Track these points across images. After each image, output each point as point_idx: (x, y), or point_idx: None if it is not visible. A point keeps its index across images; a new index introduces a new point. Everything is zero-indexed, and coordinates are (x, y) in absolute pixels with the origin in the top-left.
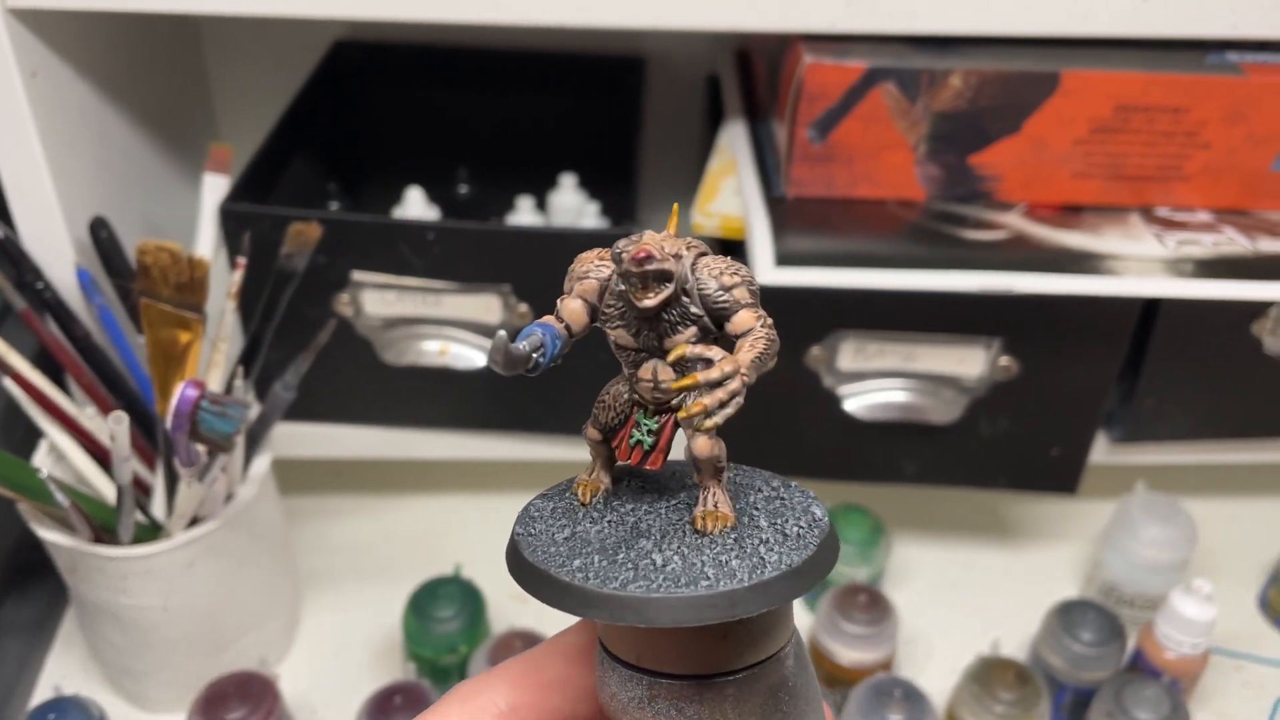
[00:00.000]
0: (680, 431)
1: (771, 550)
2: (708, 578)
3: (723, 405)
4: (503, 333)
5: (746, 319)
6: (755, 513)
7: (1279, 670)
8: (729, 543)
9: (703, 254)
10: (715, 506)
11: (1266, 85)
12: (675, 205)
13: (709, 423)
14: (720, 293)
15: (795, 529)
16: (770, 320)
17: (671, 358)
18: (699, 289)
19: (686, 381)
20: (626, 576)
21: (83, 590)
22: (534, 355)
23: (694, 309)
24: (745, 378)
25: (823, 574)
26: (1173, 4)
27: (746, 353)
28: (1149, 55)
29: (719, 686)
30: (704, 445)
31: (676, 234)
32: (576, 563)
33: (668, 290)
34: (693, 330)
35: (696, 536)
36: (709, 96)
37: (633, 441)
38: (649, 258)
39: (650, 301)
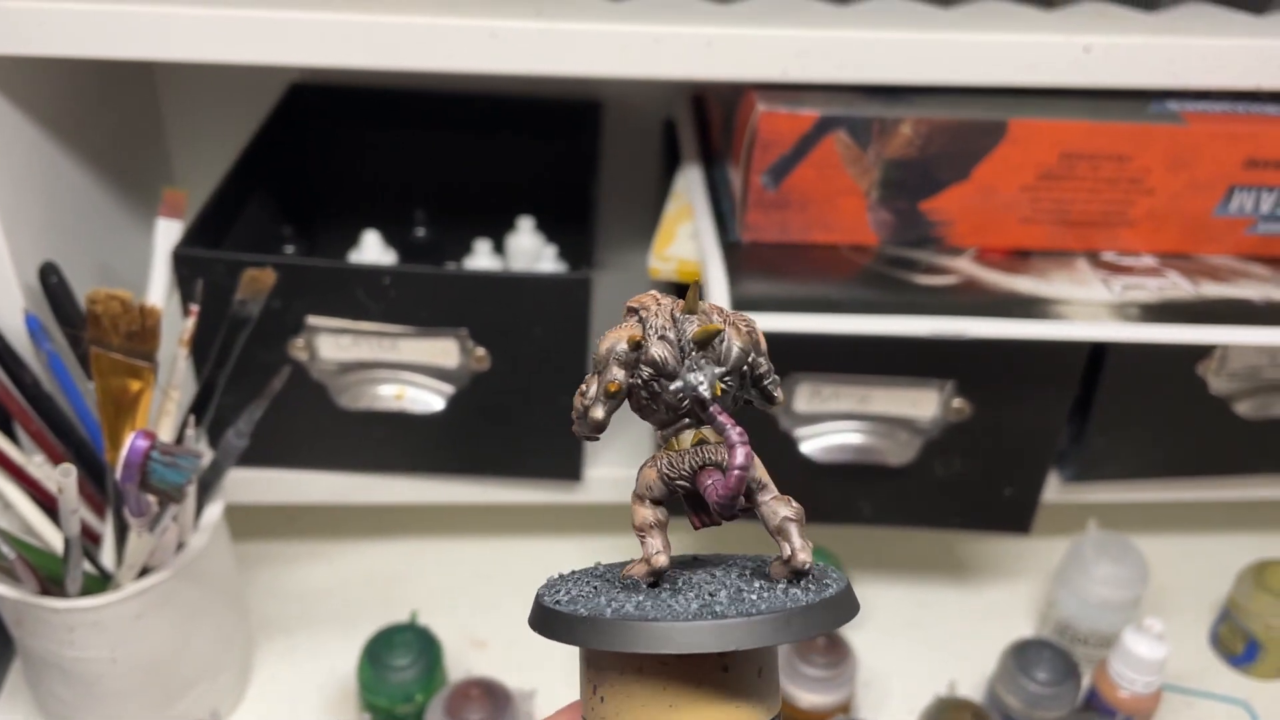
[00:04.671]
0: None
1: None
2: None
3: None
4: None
5: None
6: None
7: (1230, 706)
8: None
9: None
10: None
11: (1207, 133)
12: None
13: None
14: None
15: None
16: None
17: None
18: None
19: None
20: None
21: (28, 643)
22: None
23: None
24: None
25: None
26: (1115, 54)
27: None
28: (1093, 104)
29: None
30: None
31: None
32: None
33: None
34: None
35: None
36: (665, 140)
37: None
38: None
39: None
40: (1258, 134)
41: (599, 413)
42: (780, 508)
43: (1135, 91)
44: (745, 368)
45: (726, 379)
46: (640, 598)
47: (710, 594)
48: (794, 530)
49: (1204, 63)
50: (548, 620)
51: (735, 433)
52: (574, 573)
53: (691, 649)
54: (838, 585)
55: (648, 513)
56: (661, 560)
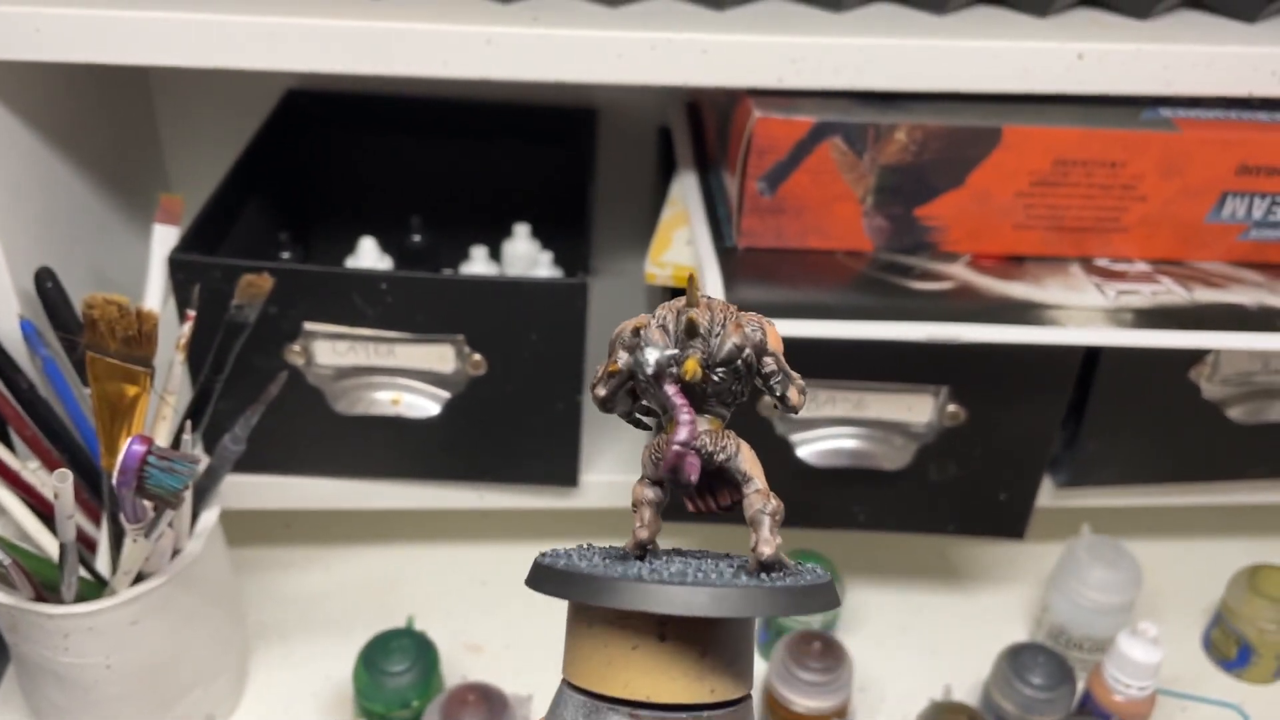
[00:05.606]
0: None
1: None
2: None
3: None
4: None
5: None
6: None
7: (1223, 710)
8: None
9: None
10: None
11: (1199, 139)
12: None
13: None
14: None
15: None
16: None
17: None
18: None
19: None
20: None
21: (23, 649)
22: None
23: None
24: None
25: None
26: (1109, 61)
27: None
28: (1086, 111)
29: None
30: None
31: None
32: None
33: None
34: None
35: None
36: (661, 147)
37: None
38: None
39: None
40: (1250, 140)
41: (600, 390)
42: (756, 501)
43: (1128, 98)
44: (741, 363)
45: (718, 370)
46: (609, 562)
47: (665, 568)
48: (765, 523)
49: (1196, 70)
50: (533, 568)
51: (682, 412)
52: (595, 546)
53: (603, 602)
54: (798, 580)
55: (640, 490)
56: (642, 534)
